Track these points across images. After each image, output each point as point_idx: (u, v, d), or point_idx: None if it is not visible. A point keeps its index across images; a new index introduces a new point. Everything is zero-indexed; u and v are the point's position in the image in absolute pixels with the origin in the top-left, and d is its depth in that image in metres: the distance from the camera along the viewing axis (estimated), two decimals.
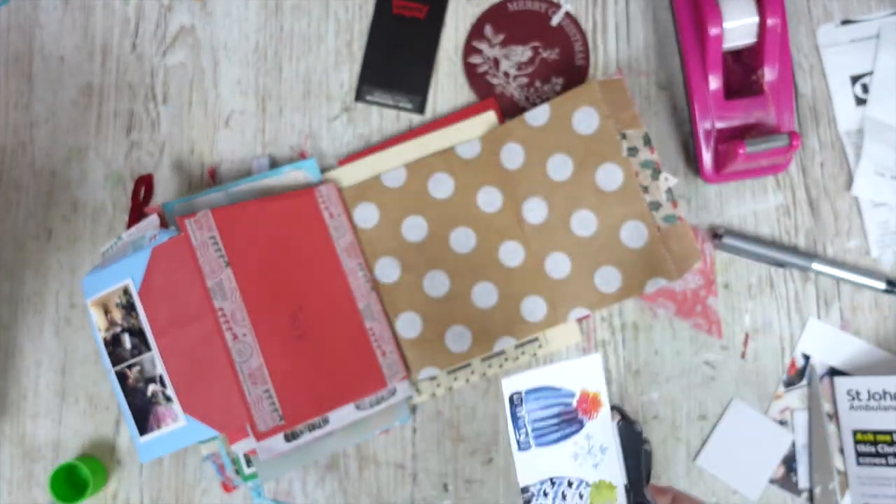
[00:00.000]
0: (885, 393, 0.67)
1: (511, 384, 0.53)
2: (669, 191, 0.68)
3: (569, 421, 0.53)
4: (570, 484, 0.52)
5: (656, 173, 0.68)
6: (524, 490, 0.53)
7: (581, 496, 0.52)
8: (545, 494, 0.52)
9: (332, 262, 0.69)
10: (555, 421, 0.53)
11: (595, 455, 0.52)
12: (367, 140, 0.74)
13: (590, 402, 0.52)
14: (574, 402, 0.53)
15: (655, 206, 0.68)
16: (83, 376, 0.73)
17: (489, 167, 0.71)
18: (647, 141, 0.68)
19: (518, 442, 0.53)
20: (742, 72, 0.70)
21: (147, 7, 0.76)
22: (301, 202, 0.69)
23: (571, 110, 0.69)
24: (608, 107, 0.68)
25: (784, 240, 0.71)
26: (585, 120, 0.69)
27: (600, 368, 0.52)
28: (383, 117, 0.74)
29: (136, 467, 0.72)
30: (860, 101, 0.72)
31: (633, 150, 0.68)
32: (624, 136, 0.68)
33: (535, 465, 0.53)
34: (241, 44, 0.75)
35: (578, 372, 0.52)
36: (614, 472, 0.52)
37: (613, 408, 0.53)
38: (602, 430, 0.52)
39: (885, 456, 0.67)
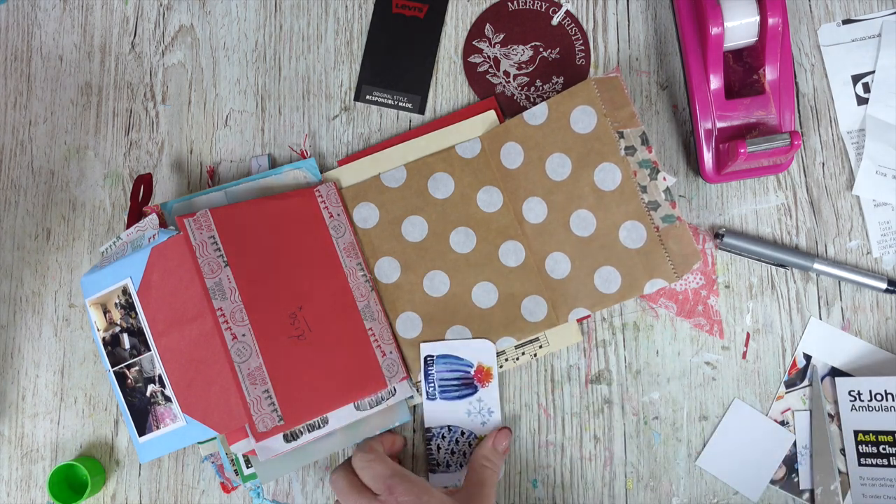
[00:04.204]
0: (886, 393, 0.67)
1: (427, 348, 0.68)
2: (668, 190, 0.67)
3: (466, 385, 0.68)
4: (462, 433, 0.68)
5: (654, 172, 0.67)
6: (427, 430, 0.68)
7: (470, 444, 0.68)
8: (443, 437, 0.68)
9: (332, 262, 0.69)
10: (456, 382, 0.68)
11: (484, 415, 0.68)
12: (367, 140, 0.74)
13: (483, 374, 0.68)
14: (472, 371, 0.68)
15: (654, 205, 0.67)
16: (82, 376, 0.72)
17: (489, 167, 0.71)
18: (645, 139, 0.68)
19: (427, 392, 0.68)
20: (743, 71, 0.70)
21: (146, 6, 0.75)
22: (300, 202, 0.69)
23: (569, 109, 0.69)
24: (605, 105, 0.68)
25: (785, 240, 0.71)
26: (583, 118, 0.68)
27: (493, 350, 0.68)
28: (383, 117, 0.74)
29: (134, 468, 0.72)
30: (862, 101, 0.72)
31: (630, 149, 0.68)
32: (621, 135, 0.68)
33: (438, 413, 0.68)
34: (241, 43, 0.75)
35: (478, 349, 0.68)
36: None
37: None
38: (490, 397, 0.68)
39: (886, 456, 0.67)
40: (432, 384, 0.68)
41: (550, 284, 0.69)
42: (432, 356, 0.68)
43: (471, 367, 0.68)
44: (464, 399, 0.68)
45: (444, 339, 0.69)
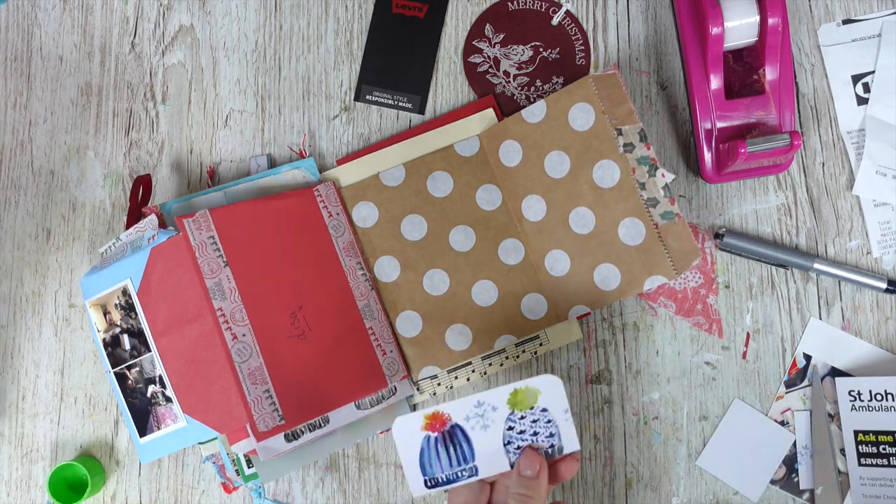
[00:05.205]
0: (886, 393, 0.67)
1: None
2: (667, 187, 0.67)
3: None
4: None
5: (653, 169, 0.67)
6: None
7: None
8: None
9: (332, 262, 0.69)
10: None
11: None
12: (367, 140, 0.74)
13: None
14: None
15: (653, 202, 0.67)
16: (82, 376, 0.72)
17: (488, 165, 0.71)
18: (644, 136, 0.68)
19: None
20: (743, 71, 0.70)
21: (146, 6, 0.75)
22: (300, 202, 0.69)
23: (567, 106, 0.69)
24: (603, 102, 0.68)
25: (785, 239, 0.71)
26: (581, 116, 0.68)
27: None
28: (383, 117, 0.74)
29: (134, 468, 0.72)
30: (861, 101, 0.72)
31: (629, 146, 0.68)
32: (620, 132, 0.68)
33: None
34: (241, 43, 0.75)
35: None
36: None
37: None
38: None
39: (886, 456, 0.67)
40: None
41: (550, 282, 0.69)
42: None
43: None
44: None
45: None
